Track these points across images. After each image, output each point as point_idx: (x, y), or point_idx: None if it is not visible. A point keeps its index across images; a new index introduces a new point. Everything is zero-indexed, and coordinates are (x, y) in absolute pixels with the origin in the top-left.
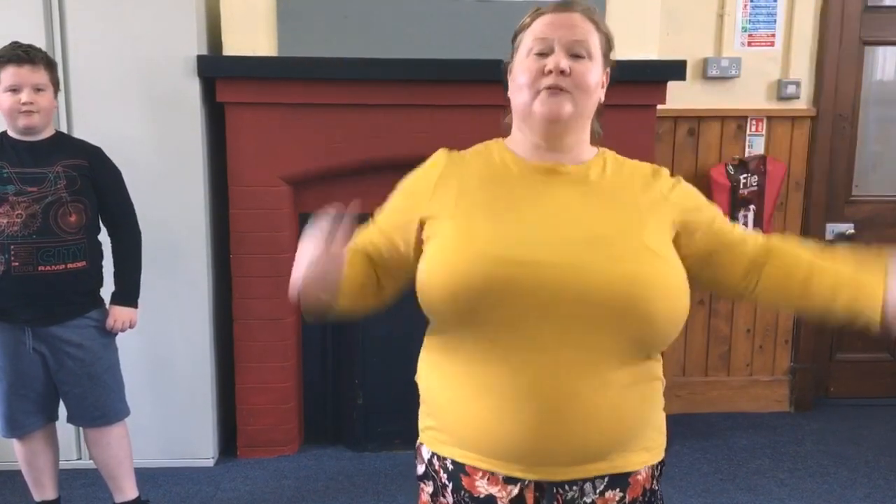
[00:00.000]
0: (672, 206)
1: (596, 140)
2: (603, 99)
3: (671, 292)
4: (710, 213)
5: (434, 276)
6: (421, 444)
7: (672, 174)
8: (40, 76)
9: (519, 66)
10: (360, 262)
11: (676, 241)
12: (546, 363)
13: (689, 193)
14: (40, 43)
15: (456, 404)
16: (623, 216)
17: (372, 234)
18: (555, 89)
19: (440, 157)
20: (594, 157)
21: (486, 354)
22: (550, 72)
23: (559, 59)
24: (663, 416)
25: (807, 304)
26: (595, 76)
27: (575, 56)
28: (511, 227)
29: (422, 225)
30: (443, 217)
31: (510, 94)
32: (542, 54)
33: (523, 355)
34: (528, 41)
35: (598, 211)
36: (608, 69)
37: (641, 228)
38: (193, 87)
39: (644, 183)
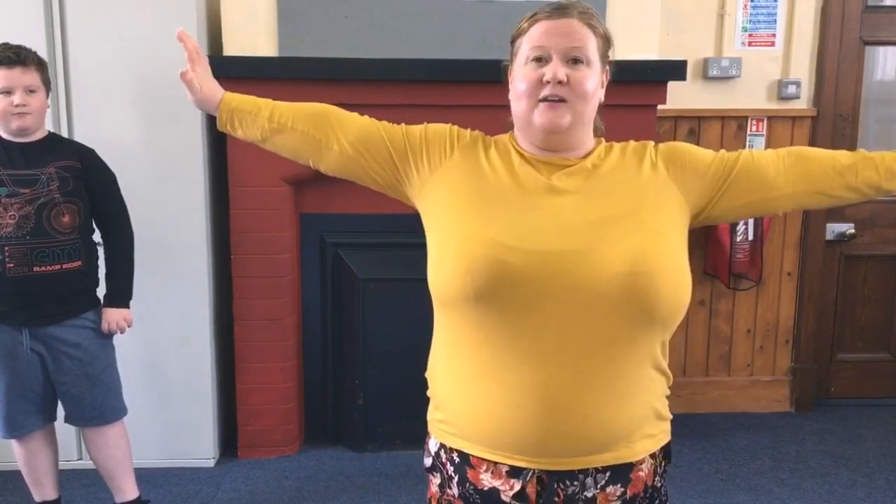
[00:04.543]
0: (669, 175)
1: (598, 135)
2: (603, 98)
3: (672, 269)
4: (706, 156)
5: (447, 257)
6: (429, 436)
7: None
8: (32, 77)
9: (518, 73)
10: (348, 123)
11: (703, 197)
12: (551, 351)
13: (675, 151)
14: (40, 43)
15: (462, 395)
16: (622, 198)
17: (383, 126)
18: (553, 100)
19: (476, 133)
20: (595, 149)
21: (492, 344)
22: (548, 82)
23: (556, 69)
24: (667, 408)
25: (847, 180)
26: (593, 82)
27: (573, 61)
28: (518, 217)
29: (417, 164)
30: (453, 190)
31: (510, 99)
32: (540, 60)
33: (528, 344)
34: (525, 48)
35: (598, 197)
36: (607, 67)
37: (640, 208)
38: None
39: (637, 162)
